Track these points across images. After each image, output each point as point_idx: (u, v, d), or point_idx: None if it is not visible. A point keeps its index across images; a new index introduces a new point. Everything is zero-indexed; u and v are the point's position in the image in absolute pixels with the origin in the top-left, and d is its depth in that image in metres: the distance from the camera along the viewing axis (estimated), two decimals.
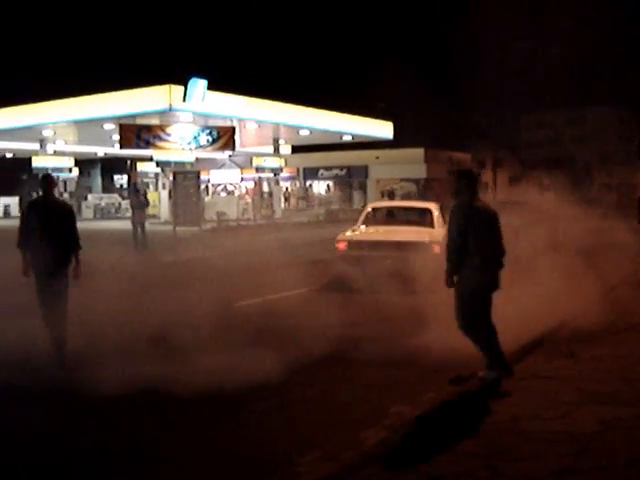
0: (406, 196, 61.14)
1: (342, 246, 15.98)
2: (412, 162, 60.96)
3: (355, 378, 8.33)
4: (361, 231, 16.66)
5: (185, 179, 33.48)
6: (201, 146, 36.87)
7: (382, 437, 6.31)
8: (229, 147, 37.94)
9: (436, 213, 16.24)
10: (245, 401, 7.38)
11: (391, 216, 17.42)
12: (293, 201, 63.20)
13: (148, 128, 35.83)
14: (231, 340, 9.67)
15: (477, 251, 7.57)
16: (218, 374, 7.90)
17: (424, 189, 61.14)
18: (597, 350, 8.89)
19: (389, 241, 14.93)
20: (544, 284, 12.30)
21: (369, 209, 18.20)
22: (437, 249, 13.38)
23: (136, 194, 30.57)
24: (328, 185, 66.84)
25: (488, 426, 6.46)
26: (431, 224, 15.94)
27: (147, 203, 30.35)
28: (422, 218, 16.39)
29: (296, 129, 43.13)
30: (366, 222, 17.06)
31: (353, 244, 15.89)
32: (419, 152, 62.15)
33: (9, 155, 52.77)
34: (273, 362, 8.47)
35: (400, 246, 14.09)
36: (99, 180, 73.35)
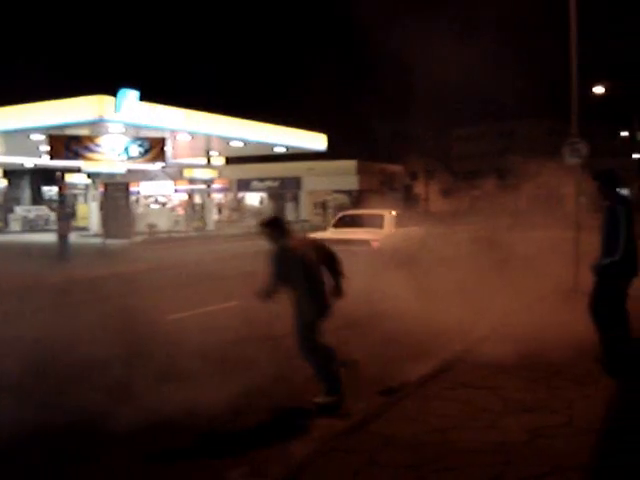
0: (339, 208, 61.32)
1: None
2: (345, 174, 61.27)
3: (285, 392, 8.25)
4: (329, 232, 21.11)
5: (115, 191, 33.09)
6: (132, 157, 36.53)
7: (311, 450, 6.26)
8: (160, 158, 37.69)
9: (387, 217, 20.87)
10: (173, 417, 7.23)
11: (353, 220, 21.86)
12: (226, 213, 62.85)
13: (77, 139, 35.38)
14: (158, 356, 9.54)
15: (300, 287, 7.75)
16: (143, 389, 7.77)
17: (356, 201, 61.44)
18: (522, 360, 8.96)
19: (343, 239, 18.63)
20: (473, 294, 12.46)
21: (339, 216, 23.15)
22: (375, 245, 18.81)
23: (61, 205, 30.10)
24: (261, 197, 66.68)
25: (417, 437, 6.44)
26: (381, 226, 20.40)
27: (72, 214, 29.93)
28: (376, 221, 20.81)
29: (229, 140, 43.01)
30: (335, 225, 21.79)
31: None
32: (351, 164, 62.49)
33: None
34: (203, 378, 8.35)
35: (350, 242, 18.19)
36: (28, 191, 71.97)
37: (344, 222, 21.95)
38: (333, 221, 22.60)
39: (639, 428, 6.56)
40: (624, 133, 79.28)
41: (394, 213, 21.32)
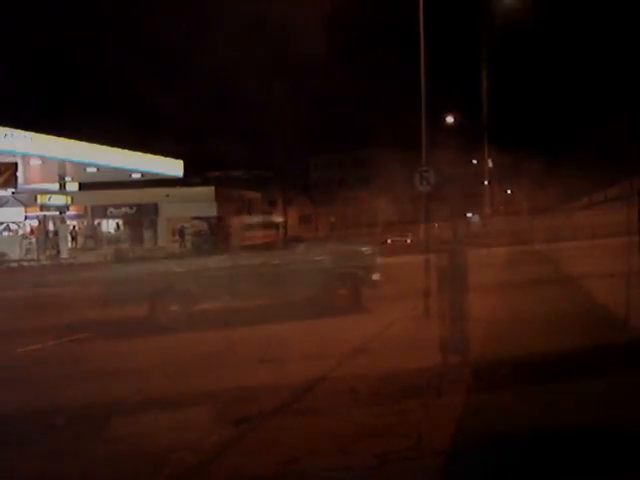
0: (197, 234, 60.84)
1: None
2: (203, 200, 60.81)
3: (139, 426, 8.05)
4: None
5: None
6: None
7: None
8: (10, 184, 36.50)
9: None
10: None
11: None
12: (81, 240, 61.28)
13: None
14: None
15: None
16: None
17: (215, 227, 61.07)
18: (374, 383, 9.10)
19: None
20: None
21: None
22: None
23: None
24: (118, 223, 65.25)
25: (268, 467, 6.38)
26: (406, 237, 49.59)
27: None
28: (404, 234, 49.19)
29: (83, 166, 42.10)
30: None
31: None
32: (210, 190, 62.11)
33: None
34: (51, 419, 8.11)
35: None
36: None
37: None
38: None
39: (480, 446, 6.76)
40: (476, 161, 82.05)
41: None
